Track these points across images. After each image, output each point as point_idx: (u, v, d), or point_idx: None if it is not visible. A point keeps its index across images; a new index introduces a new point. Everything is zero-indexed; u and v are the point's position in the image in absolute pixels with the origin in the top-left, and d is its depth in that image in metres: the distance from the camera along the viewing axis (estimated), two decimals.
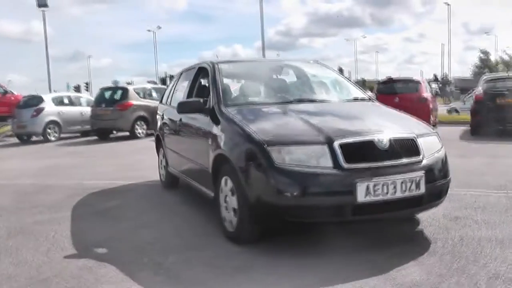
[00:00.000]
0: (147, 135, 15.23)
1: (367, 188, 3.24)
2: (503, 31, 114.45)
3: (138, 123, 15.01)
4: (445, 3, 55.35)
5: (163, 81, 39.86)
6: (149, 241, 3.96)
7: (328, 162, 3.30)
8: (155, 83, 35.79)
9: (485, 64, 62.54)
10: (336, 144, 3.35)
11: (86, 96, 17.93)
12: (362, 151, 3.38)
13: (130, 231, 4.31)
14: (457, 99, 40.33)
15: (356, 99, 4.75)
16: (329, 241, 3.74)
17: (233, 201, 3.69)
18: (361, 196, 3.23)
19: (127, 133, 15.27)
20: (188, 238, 4.03)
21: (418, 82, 13.47)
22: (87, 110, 16.12)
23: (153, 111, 14.97)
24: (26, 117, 15.33)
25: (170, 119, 5.79)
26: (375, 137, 3.46)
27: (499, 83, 12.34)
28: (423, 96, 12.92)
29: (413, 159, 3.51)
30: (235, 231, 3.70)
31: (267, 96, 4.59)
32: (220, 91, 4.36)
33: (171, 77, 39.72)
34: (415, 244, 3.69)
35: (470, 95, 25.49)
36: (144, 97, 15.51)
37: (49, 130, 15.48)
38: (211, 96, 4.41)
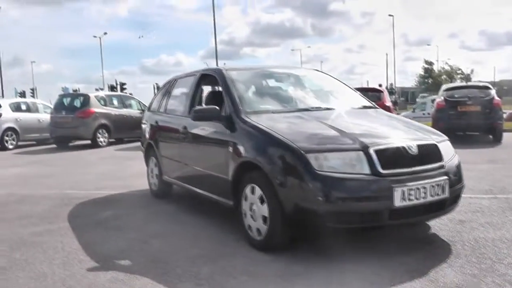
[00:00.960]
0: (109, 143, 14.89)
1: (403, 193, 3.33)
2: (440, 42, 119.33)
3: (100, 131, 14.62)
4: (389, 14, 57.20)
5: (112, 89, 38.96)
6: (168, 251, 3.89)
7: (366, 168, 3.37)
8: (102, 90, 34.98)
9: (429, 74, 65.10)
10: (371, 150, 3.43)
11: (43, 103, 17.26)
12: (395, 157, 3.47)
13: (142, 242, 4.20)
14: (402, 108, 41.71)
15: (365, 107, 4.85)
16: (353, 247, 3.79)
17: (262, 209, 3.68)
18: (398, 200, 3.32)
19: (87, 142, 14.85)
20: (208, 247, 3.97)
21: (381, 92, 13.83)
22: (45, 117, 15.57)
23: (115, 119, 14.91)
24: None
25: (169, 127, 5.69)
26: (405, 143, 3.57)
27: (458, 92, 12.96)
28: (386, 105, 13.28)
29: (438, 164, 3.64)
30: (264, 239, 3.69)
31: (283, 104, 4.61)
32: (237, 98, 4.34)
33: (122, 85, 39.10)
34: (436, 247, 3.81)
35: (420, 103, 26.53)
36: (106, 105, 15.13)
37: (6, 138, 14.81)
38: (226, 104, 4.38)
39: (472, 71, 66.11)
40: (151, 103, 6.94)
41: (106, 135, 14.80)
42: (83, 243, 4.21)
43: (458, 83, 19.70)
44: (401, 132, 3.94)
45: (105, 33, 57.09)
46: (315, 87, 5.18)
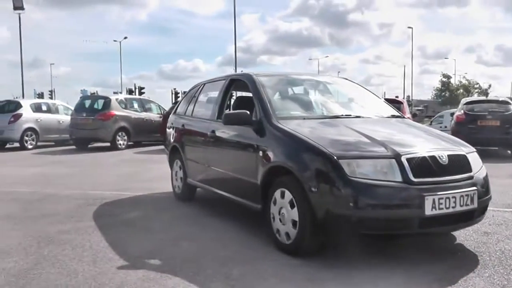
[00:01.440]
0: (128, 146, 15.03)
1: (433, 201, 3.36)
2: (456, 57, 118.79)
3: (120, 134, 14.77)
4: (408, 26, 57.13)
5: (130, 92, 39.34)
6: (198, 253, 3.94)
7: (397, 176, 3.41)
8: (120, 93, 35.32)
9: (446, 88, 64.80)
10: (403, 158, 3.47)
11: (63, 104, 17.49)
12: (426, 166, 3.50)
13: (170, 243, 4.25)
14: (419, 121, 41.46)
15: (394, 116, 4.88)
16: (382, 254, 3.83)
17: (292, 214, 3.72)
18: (428, 209, 3.35)
19: (106, 144, 15.01)
20: (237, 250, 4.02)
21: (401, 103, 13.86)
22: (65, 118, 15.78)
23: (134, 122, 15.06)
24: (2, 123, 14.83)
25: (196, 131, 5.76)
26: (436, 153, 3.60)
27: (478, 106, 12.97)
28: (406, 117, 13.30)
29: (467, 175, 3.67)
30: (294, 243, 3.73)
31: (313, 110, 4.68)
32: (268, 104, 4.40)
33: (140, 89, 39.39)
34: (462, 257, 3.82)
35: (438, 116, 26.51)
36: (126, 108, 15.29)
37: (26, 138, 15.04)
38: (257, 109, 4.44)
39: (490, 86, 65.69)
40: (176, 107, 7.02)
41: (126, 138, 14.95)
42: (111, 242, 4.28)
43: (477, 97, 19.71)
44: (431, 142, 3.98)
45: (125, 38, 57.65)
46: (344, 95, 5.25)
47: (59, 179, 8.44)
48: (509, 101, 13.50)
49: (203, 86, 6.28)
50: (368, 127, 4.19)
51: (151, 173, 9.03)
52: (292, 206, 3.73)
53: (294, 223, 3.71)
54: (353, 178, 3.38)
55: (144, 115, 15.71)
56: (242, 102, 5.22)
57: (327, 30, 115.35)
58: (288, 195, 3.77)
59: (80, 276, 3.43)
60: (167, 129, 6.92)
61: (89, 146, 15.79)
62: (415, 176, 3.43)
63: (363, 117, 4.60)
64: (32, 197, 6.65)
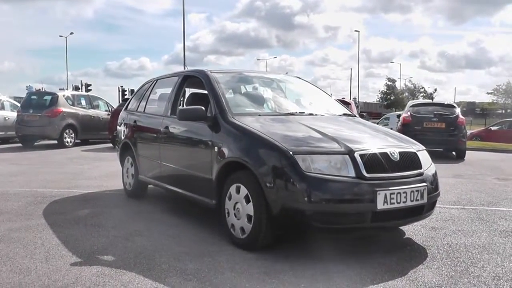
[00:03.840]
0: (75, 144, 14.68)
1: (385, 196, 3.47)
2: (400, 61, 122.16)
3: (67, 131, 14.40)
4: (355, 30, 58.36)
5: (77, 89, 38.29)
6: (152, 249, 3.90)
7: (351, 171, 3.50)
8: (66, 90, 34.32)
9: (391, 91, 66.64)
10: (357, 154, 3.57)
11: (10, 100, 16.84)
12: (378, 162, 3.61)
13: (123, 239, 4.19)
14: None
15: (346, 115, 5.00)
16: (335, 248, 3.92)
17: (247, 208, 3.75)
18: (380, 204, 3.46)
19: (53, 141, 14.60)
20: (191, 245, 4.01)
21: (349, 104, 14.12)
22: (10, 115, 15.23)
23: (82, 120, 14.73)
24: None
25: (148, 127, 5.70)
26: (388, 149, 3.72)
27: (424, 108, 13.38)
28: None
29: (417, 171, 3.80)
30: (248, 238, 3.76)
31: (268, 107, 4.73)
32: (223, 100, 4.41)
33: (87, 86, 38.43)
34: (412, 250, 3.96)
35: (383, 118, 27.28)
36: (73, 105, 14.92)
37: None
38: (212, 105, 4.45)
39: (435, 90, 68.10)
40: (128, 103, 6.92)
41: (73, 135, 14.59)
42: (63, 239, 4.18)
43: (424, 100, 20.38)
44: (382, 139, 4.10)
45: (71, 33, 56.02)
46: (297, 93, 5.33)
47: (6, 177, 8.12)
48: (455, 104, 14.01)
49: (155, 82, 6.23)
50: (321, 124, 4.28)
51: (100, 171, 8.85)
52: (247, 201, 3.76)
53: (249, 217, 3.74)
54: (308, 173, 3.44)
55: (92, 112, 15.39)
56: (195, 99, 5.21)
57: (274, 32, 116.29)
58: (244, 190, 3.80)
59: (33, 274, 3.33)
60: (118, 126, 6.81)
61: (36, 143, 15.32)
62: (367, 172, 3.53)
63: (316, 115, 4.69)
64: None
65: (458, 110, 13.23)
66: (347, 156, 3.57)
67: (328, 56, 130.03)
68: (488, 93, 66.79)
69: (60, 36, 56.49)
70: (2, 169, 9.26)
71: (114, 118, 11.93)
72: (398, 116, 18.43)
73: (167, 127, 5.11)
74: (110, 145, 14.08)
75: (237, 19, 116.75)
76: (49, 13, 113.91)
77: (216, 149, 4.15)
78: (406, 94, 65.88)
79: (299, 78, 5.76)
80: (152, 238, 4.25)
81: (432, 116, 12.77)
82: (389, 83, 67.97)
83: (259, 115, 4.41)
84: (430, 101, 15.94)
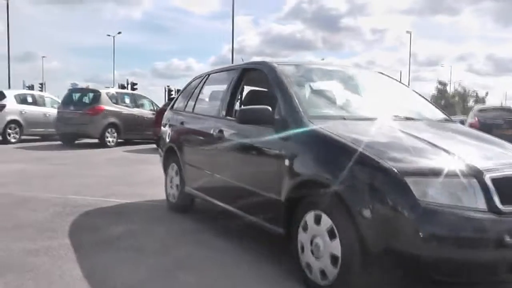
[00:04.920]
0: (118, 144, 14.01)
1: None
2: (448, 64, 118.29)
3: (109, 130, 13.73)
4: (407, 31, 56.18)
5: (122, 88, 38.13)
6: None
7: (481, 202, 2.47)
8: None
9: (442, 95, 64.23)
10: (487, 178, 2.53)
11: (51, 96, 16.40)
12: None
13: (167, 273, 3.29)
14: None
15: (447, 120, 3.96)
16: None
17: (331, 246, 2.76)
18: None
19: (95, 140, 13.98)
20: (250, 284, 3.08)
21: None
22: (51, 112, 14.72)
23: (125, 118, 14.03)
24: None
25: (197, 130, 4.79)
26: None
27: (492, 113, 12.29)
28: None
29: None
30: (333, 285, 2.76)
31: (353, 109, 3.71)
32: (295, 98, 3.44)
33: (133, 85, 38.15)
34: None
35: None
36: (117, 103, 14.26)
37: (9, 131, 13.96)
38: (281, 105, 3.48)
39: (487, 94, 65.16)
40: (174, 102, 6.04)
41: (115, 134, 13.92)
42: (88, 270, 3.31)
43: (490, 105, 19.02)
44: (509, 154, 3.04)
45: (119, 33, 56.29)
46: (384, 92, 4.27)
47: (40, 179, 7.41)
48: None
49: (207, 78, 5.30)
50: (426, 132, 3.26)
51: (141, 176, 8.03)
52: (331, 236, 2.77)
53: (334, 259, 2.75)
54: (424, 203, 2.42)
55: (136, 111, 14.69)
56: (255, 98, 4.27)
57: (320, 34, 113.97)
58: (326, 221, 2.81)
59: None
60: (162, 127, 5.94)
61: (76, 142, 14.74)
62: (503, 203, 2.49)
63: (414, 119, 3.65)
64: (5, 200, 5.67)
65: None
66: (475, 180, 2.53)
67: (374, 59, 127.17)
68: None
69: (108, 35, 56.62)
70: (38, 169, 8.61)
71: (159, 118, 11.20)
72: (462, 122, 17.11)
73: (221, 131, 4.17)
74: (154, 146, 13.34)
75: (283, 21, 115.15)
76: (99, 15, 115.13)
77: (286, 162, 3.17)
78: (457, 98, 63.34)
79: (383, 74, 4.70)
80: (199, 272, 3.34)
81: (502, 122, 11.65)
82: (440, 86, 65.44)
83: (344, 118, 3.40)
84: (498, 105, 14.69)
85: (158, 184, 6.07)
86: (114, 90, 16.11)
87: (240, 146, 3.92)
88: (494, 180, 2.54)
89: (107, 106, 13.80)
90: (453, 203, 2.45)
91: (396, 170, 2.52)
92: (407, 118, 3.63)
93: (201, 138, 4.67)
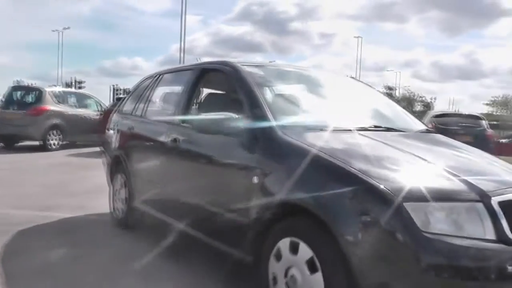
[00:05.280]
0: (61, 147, 13.15)
1: None
2: (394, 70, 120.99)
3: (52, 132, 12.83)
4: (355, 36, 56.73)
5: (68, 86, 36.68)
6: None
7: (489, 231, 2.08)
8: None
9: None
10: (494, 202, 2.14)
11: None
12: None
13: None
14: None
15: (428, 131, 3.60)
16: None
17: (311, 280, 2.32)
18: None
19: (37, 143, 13.05)
20: None
21: None
22: None
23: (70, 120, 13.18)
24: None
25: (149, 137, 4.26)
26: None
27: (449, 119, 12.29)
28: None
29: None
30: None
31: (333, 118, 3.22)
32: (265, 105, 2.98)
33: (79, 83, 36.77)
34: None
35: None
36: (61, 103, 13.36)
37: None
38: (247, 112, 3.02)
39: (435, 98, 66.64)
40: (121, 104, 5.46)
41: (59, 137, 13.03)
42: None
43: (446, 110, 19.36)
44: (506, 171, 2.69)
45: (67, 28, 53.92)
46: (358, 99, 3.86)
47: None
48: (481, 116, 12.96)
49: (160, 78, 4.76)
50: (417, 146, 2.89)
51: (85, 184, 7.36)
52: (312, 269, 2.33)
53: None
54: (429, 234, 2.01)
55: (81, 111, 13.81)
56: (216, 102, 3.78)
57: (270, 37, 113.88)
58: (306, 251, 2.37)
59: None
60: (107, 132, 5.36)
61: (17, 144, 13.74)
62: None
63: (398, 131, 3.26)
64: None
65: (485, 122, 12.13)
66: (481, 204, 2.14)
67: (322, 63, 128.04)
68: (486, 104, 65.99)
69: (53, 30, 54.16)
70: None
71: (105, 120, 10.50)
72: None
73: (175, 140, 3.66)
74: (100, 149, 12.56)
75: (233, 23, 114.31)
76: (46, 9, 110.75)
77: (255, 179, 2.70)
78: (404, 103, 64.59)
79: (355, 79, 4.28)
80: None
81: (458, 128, 11.54)
82: (386, 91, 66.40)
83: (321, 129, 2.94)
84: (454, 112, 14.90)
85: (103, 193, 5.49)
86: (58, 88, 15.11)
87: (199, 158, 3.42)
88: (501, 204, 2.16)
89: (51, 106, 12.88)
90: (459, 232, 2.06)
91: (393, 194, 2.10)
92: (389, 129, 3.23)
93: (153, 146, 4.14)
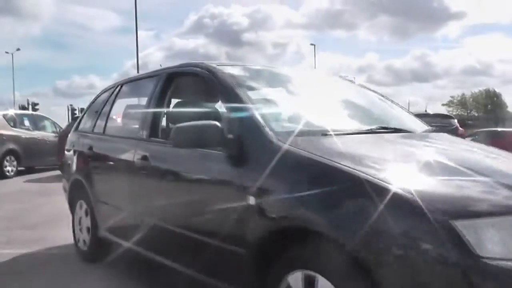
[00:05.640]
0: (18, 173, 12.30)
1: None
2: (349, 76, 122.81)
3: (7, 158, 11.99)
4: (311, 44, 56.80)
5: (23, 109, 35.29)
6: None
7: None
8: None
9: None
10: None
11: None
12: None
13: None
14: None
15: (435, 130, 3.17)
16: None
17: None
18: None
19: None
20: None
21: None
22: None
23: (26, 144, 12.37)
24: None
25: (113, 157, 3.68)
26: None
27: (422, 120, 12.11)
28: None
29: None
30: None
31: (335, 121, 2.70)
32: (255, 110, 2.47)
33: (34, 105, 35.38)
34: None
35: None
36: (15, 126, 12.57)
37: None
38: (233, 120, 2.50)
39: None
40: (79, 120, 4.86)
41: (15, 163, 12.20)
42: None
43: (419, 111, 19.42)
44: None
45: (18, 49, 52.12)
46: (353, 99, 3.37)
47: None
48: (449, 115, 13.06)
49: (119, 88, 4.18)
50: (438, 149, 2.44)
51: (44, 212, 6.67)
52: None
53: None
54: (487, 260, 1.53)
55: (37, 134, 13.05)
56: (189, 111, 3.23)
57: (223, 48, 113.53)
58: (324, 284, 1.85)
59: None
60: (66, 153, 4.76)
61: None
62: None
63: (405, 132, 2.81)
64: None
65: (455, 121, 12.07)
66: None
67: None
68: (442, 104, 67.59)
69: (6, 52, 52.21)
70: None
71: (61, 141, 9.82)
72: None
73: (145, 158, 3.10)
74: (59, 172, 11.79)
75: (186, 36, 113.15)
76: None
77: (251, 199, 2.17)
78: None
79: (344, 78, 3.81)
80: None
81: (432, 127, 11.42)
82: None
83: (323, 134, 2.44)
84: (426, 112, 14.83)
85: (64, 222, 4.87)
86: (12, 112, 14.23)
87: (176, 177, 2.88)
88: None
89: (4, 130, 12.07)
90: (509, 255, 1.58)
91: (439, 211, 1.61)
92: (396, 130, 2.77)
93: (118, 167, 3.57)
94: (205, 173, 2.59)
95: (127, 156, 3.36)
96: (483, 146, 2.89)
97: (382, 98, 3.53)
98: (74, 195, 4.37)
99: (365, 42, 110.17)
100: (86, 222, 4.08)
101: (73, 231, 4.42)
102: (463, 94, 63.88)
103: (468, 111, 65.64)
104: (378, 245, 1.69)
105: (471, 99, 66.02)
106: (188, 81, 3.27)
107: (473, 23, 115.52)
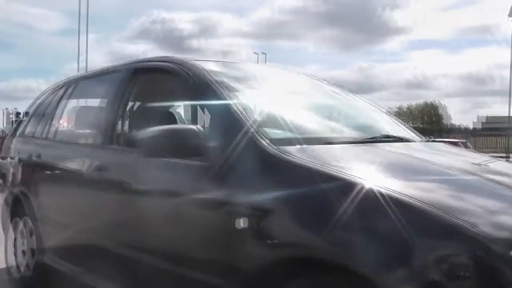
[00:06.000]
0: None
1: None
2: None
3: None
4: (254, 52, 56.50)
5: None
6: None
7: None
8: None
9: None
10: None
11: None
12: None
13: None
14: None
15: (434, 140, 2.89)
16: None
17: None
18: None
19: None
20: None
21: None
22: None
23: None
24: None
25: (65, 168, 3.12)
26: None
27: None
28: None
29: None
30: None
31: (337, 127, 2.33)
32: (243, 113, 2.03)
33: None
34: None
35: None
36: None
37: None
38: (215, 125, 2.09)
39: None
40: (22, 125, 4.25)
41: None
42: None
43: None
44: None
45: None
46: (348, 104, 2.98)
47: None
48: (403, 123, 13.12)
49: (73, 87, 3.64)
50: (451, 161, 2.14)
51: None
52: None
53: None
54: None
55: None
56: (158, 115, 2.78)
57: (169, 54, 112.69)
58: None
59: None
60: (2, 161, 4.17)
61: None
62: None
63: (408, 141, 2.48)
64: None
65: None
66: None
67: None
68: None
69: None
70: None
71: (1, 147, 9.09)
72: None
73: (103, 168, 2.61)
74: None
75: (131, 41, 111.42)
76: None
77: (242, 222, 1.73)
78: None
79: (308, 75, 3.36)
80: None
81: None
82: None
83: (327, 142, 2.04)
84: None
85: None
86: None
87: (142, 193, 2.38)
88: None
89: None
90: None
91: (497, 240, 1.28)
92: (399, 139, 2.41)
93: (69, 179, 3.03)
94: (179, 188, 2.12)
95: (80, 165, 2.85)
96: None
97: (377, 106, 3.16)
98: (13, 211, 3.79)
99: (309, 53, 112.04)
100: (28, 243, 3.50)
101: (5, 256, 3.80)
102: (408, 107, 65.67)
103: (414, 122, 67.63)
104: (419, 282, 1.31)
105: (416, 111, 67.94)
106: (156, 78, 2.80)
107: (418, 38, 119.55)
